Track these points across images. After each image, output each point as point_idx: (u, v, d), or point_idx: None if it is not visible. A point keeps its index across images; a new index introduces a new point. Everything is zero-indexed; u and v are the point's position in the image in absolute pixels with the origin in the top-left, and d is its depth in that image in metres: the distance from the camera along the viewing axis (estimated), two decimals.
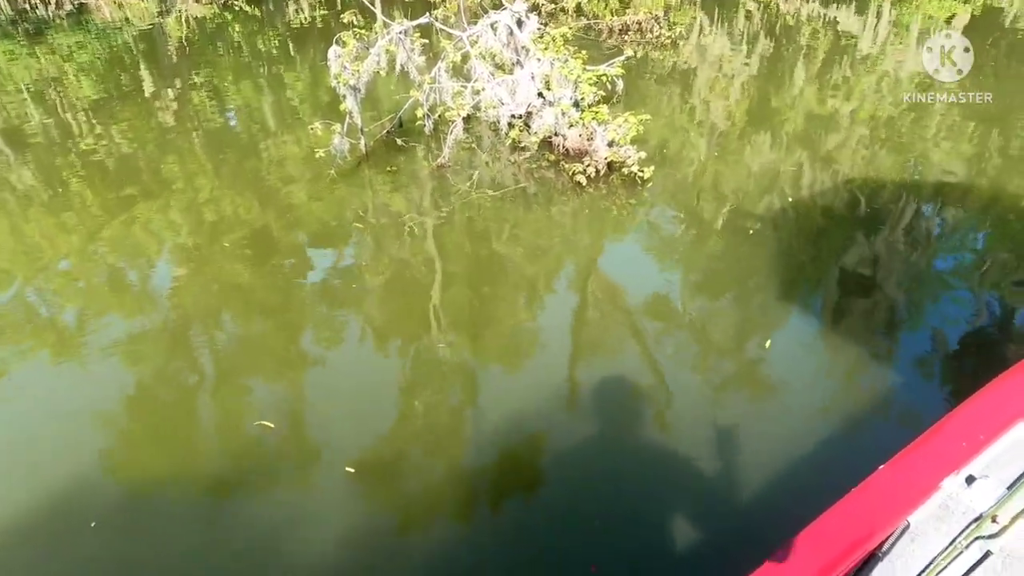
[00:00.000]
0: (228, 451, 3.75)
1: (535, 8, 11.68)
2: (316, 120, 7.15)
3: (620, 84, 7.90)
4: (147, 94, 9.77)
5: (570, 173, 6.45)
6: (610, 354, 4.37)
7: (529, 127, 7.04)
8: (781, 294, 4.88)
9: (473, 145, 7.50)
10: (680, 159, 7.15)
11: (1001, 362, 3.03)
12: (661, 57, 10.70)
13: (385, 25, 6.83)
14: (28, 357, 4.53)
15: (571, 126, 6.79)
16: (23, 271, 5.46)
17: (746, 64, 10.45)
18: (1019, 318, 4.67)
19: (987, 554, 2.05)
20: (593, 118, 6.70)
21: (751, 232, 5.63)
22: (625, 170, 6.43)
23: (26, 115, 8.87)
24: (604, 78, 7.47)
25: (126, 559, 3.18)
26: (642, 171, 6.34)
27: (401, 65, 6.96)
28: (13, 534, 3.28)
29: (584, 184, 6.37)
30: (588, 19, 12.27)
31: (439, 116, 7.18)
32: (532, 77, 6.64)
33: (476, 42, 6.89)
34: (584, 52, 7.40)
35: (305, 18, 14.61)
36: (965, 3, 12.37)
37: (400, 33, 6.79)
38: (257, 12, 15.09)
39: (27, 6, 14.81)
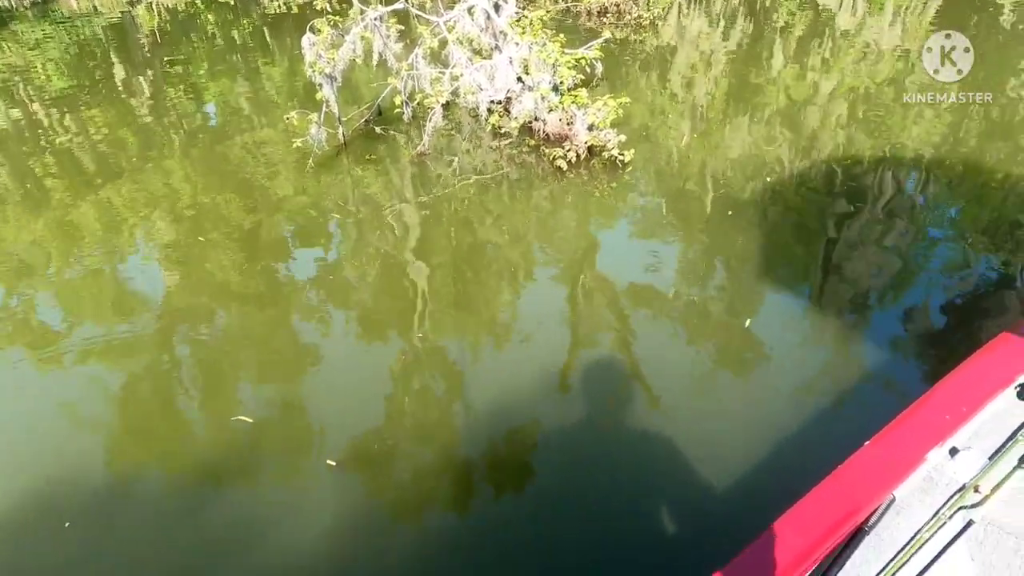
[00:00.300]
0: (206, 447, 3.74)
1: None
2: (293, 109, 7.06)
3: (599, 67, 7.87)
4: (119, 86, 9.57)
5: (551, 158, 6.45)
6: (593, 337, 4.40)
7: (509, 112, 7.00)
8: (762, 273, 4.94)
9: (453, 132, 7.45)
10: (661, 141, 7.16)
11: (982, 335, 3.08)
12: (640, 39, 10.66)
13: (360, 11, 6.73)
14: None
15: (551, 111, 6.77)
16: None
17: (724, 43, 10.45)
18: (999, 292, 4.76)
19: (969, 523, 2.08)
20: (572, 102, 6.68)
21: (731, 213, 5.68)
22: (606, 154, 6.43)
23: None
24: (583, 61, 7.43)
25: (103, 557, 3.17)
26: (622, 154, 6.35)
27: (378, 52, 6.88)
28: None
29: (565, 169, 6.37)
30: (566, 2, 12.18)
31: (418, 103, 7.11)
32: (511, 62, 6.60)
33: (453, 27, 6.82)
34: (562, 35, 7.35)
35: (280, 5, 14.33)
36: None
37: (375, 19, 6.70)
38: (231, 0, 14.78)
39: None
